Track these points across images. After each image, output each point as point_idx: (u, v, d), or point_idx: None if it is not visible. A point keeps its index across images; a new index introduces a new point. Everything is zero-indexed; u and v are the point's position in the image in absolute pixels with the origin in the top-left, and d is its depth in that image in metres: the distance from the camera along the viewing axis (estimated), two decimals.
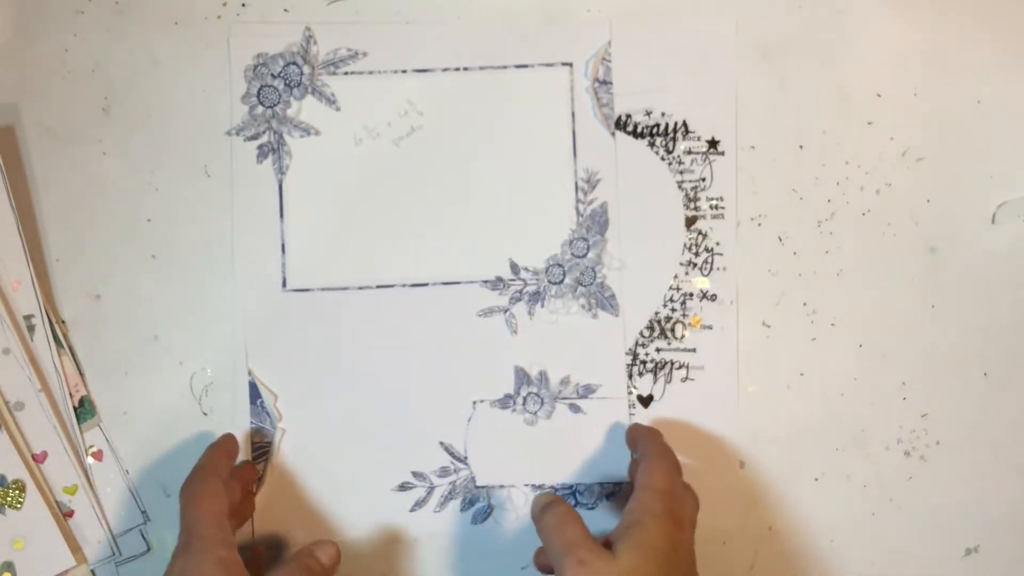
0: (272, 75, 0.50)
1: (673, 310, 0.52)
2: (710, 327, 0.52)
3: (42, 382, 0.49)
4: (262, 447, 0.50)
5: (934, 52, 0.52)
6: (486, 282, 0.51)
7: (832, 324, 0.52)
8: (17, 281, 0.49)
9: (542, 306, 0.51)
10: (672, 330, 0.52)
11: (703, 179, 0.52)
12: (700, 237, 0.52)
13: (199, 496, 0.44)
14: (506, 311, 0.51)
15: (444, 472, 0.51)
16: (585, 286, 0.51)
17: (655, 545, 0.41)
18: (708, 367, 0.52)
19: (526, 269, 0.51)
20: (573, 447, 0.51)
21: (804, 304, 0.52)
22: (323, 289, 0.51)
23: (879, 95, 0.52)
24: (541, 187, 0.51)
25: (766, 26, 0.52)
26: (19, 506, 0.48)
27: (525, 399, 0.51)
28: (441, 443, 0.51)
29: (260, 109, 0.51)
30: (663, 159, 0.52)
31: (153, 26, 0.51)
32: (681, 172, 0.52)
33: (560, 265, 0.51)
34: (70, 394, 0.49)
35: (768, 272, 0.52)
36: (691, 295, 0.52)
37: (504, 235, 0.51)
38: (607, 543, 0.42)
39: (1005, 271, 0.52)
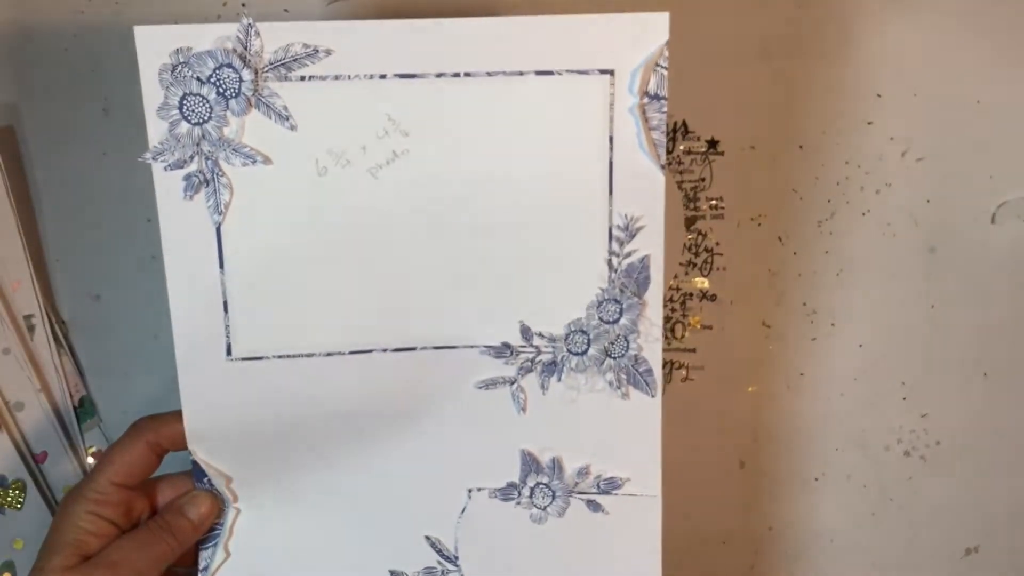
0: (199, 80, 0.38)
1: (673, 310, 0.52)
2: (710, 327, 0.52)
3: (42, 382, 0.49)
4: (211, 528, 0.42)
5: (934, 52, 0.52)
6: (489, 348, 0.41)
7: (832, 324, 0.52)
8: (17, 281, 0.49)
9: (559, 380, 0.42)
10: (672, 330, 0.52)
11: (703, 179, 0.52)
12: (700, 237, 0.52)
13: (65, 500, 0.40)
14: (513, 383, 0.42)
15: (430, 573, 0.43)
16: (615, 358, 0.41)
17: None
18: (708, 367, 0.52)
19: (541, 335, 0.41)
20: (590, 553, 0.43)
21: (804, 304, 0.52)
22: (280, 357, 0.40)
23: (879, 95, 0.52)
24: (564, 234, 0.40)
25: (766, 25, 0.52)
26: (19, 506, 0.48)
27: (532, 490, 0.43)
28: (427, 538, 0.43)
29: (185, 127, 0.38)
30: None
31: None
32: (681, 172, 0.52)
33: (584, 331, 0.41)
34: (70, 394, 0.49)
35: (768, 272, 0.52)
36: (691, 295, 0.52)
37: (514, 292, 0.41)
38: None
39: (1005, 271, 0.52)
